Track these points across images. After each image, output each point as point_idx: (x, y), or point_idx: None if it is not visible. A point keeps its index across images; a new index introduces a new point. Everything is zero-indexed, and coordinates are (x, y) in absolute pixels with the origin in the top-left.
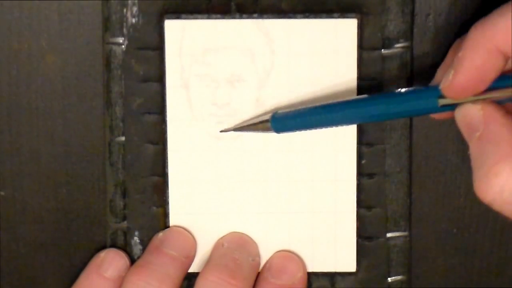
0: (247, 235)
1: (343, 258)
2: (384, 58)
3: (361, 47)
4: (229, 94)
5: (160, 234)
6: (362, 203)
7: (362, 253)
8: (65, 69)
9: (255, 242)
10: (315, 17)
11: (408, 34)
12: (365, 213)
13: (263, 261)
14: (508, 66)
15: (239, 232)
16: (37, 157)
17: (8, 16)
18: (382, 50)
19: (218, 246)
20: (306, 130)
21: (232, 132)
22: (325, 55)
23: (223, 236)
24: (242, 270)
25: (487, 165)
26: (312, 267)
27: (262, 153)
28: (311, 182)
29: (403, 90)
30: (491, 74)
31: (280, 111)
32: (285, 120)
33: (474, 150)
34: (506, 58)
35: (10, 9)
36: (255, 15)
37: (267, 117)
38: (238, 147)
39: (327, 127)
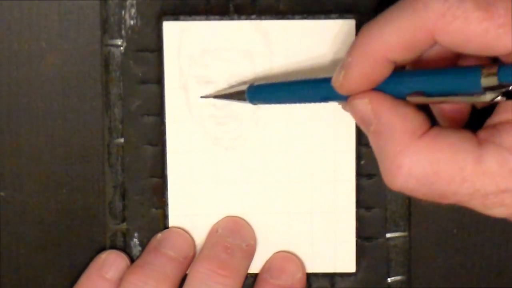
0: (242, 219)
1: (342, 259)
2: None
3: None
4: None
5: (159, 235)
6: (361, 203)
7: (361, 253)
8: (64, 70)
9: (250, 226)
10: (313, 18)
11: None
12: (364, 213)
13: (262, 262)
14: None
15: (234, 216)
16: (37, 157)
17: (8, 16)
18: None
19: (213, 232)
20: (279, 103)
21: (232, 133)
22: (324, 56)
23: (218, 221)
24: (234, 259)
25: (387, 159)
26: (312, 268)
27: (262, 153)
28: (310, 183)
29: None
30: (380, 78)
31: (256, 83)
32: (260, 92)
33: (372, 143)
34: (395, 63)
35: (10, 9)
36: (253, 16)
37: (243, 87)
38: (237, 148)
39: (299, 103)
